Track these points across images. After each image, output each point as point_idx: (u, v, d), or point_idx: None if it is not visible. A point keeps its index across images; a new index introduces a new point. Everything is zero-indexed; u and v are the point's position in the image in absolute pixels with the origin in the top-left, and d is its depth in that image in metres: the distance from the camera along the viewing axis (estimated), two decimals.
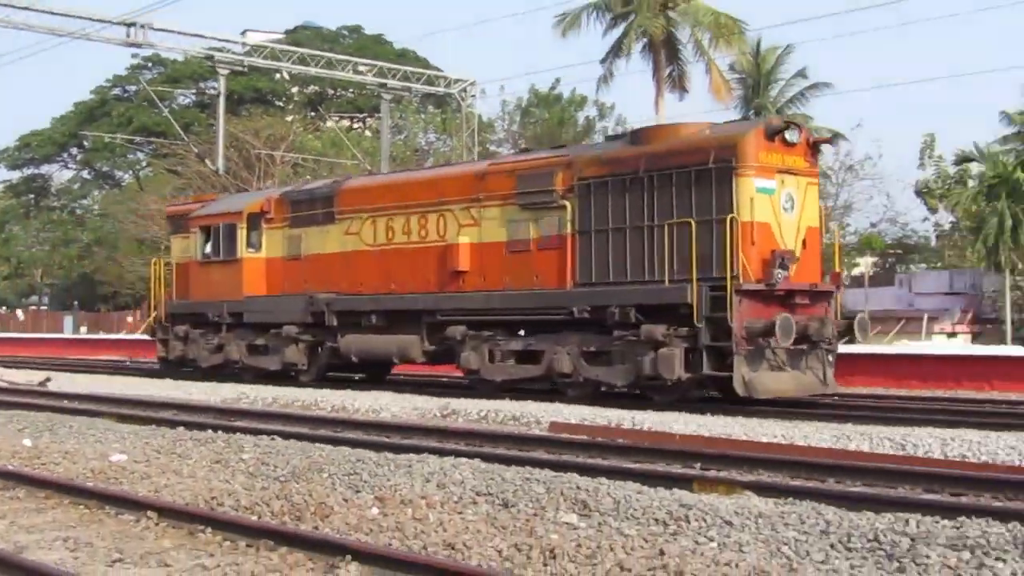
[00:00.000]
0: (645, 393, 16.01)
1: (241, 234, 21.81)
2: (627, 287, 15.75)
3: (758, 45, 42.06)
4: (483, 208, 17.68)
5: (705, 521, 7.56)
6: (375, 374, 22.04)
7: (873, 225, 48.84)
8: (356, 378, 21.82)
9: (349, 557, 6.48)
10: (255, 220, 21.64)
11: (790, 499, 8.26)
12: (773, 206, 15.03)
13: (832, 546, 6.85)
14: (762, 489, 8.68)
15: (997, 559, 6.29)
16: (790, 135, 15.23)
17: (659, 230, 15.37)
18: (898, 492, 8.68)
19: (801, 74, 43.11)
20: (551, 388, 17.26)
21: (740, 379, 14.49)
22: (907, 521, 7.24)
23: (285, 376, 21.51)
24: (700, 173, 15.02)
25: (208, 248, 22.68)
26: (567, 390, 16.70)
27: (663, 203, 15.40)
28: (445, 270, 18.19)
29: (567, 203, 16.46)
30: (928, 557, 6.43)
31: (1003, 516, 7.24)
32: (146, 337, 29.19)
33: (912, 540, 6.79)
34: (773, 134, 15.06)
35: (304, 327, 20.67)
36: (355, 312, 19.64)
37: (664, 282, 15.25)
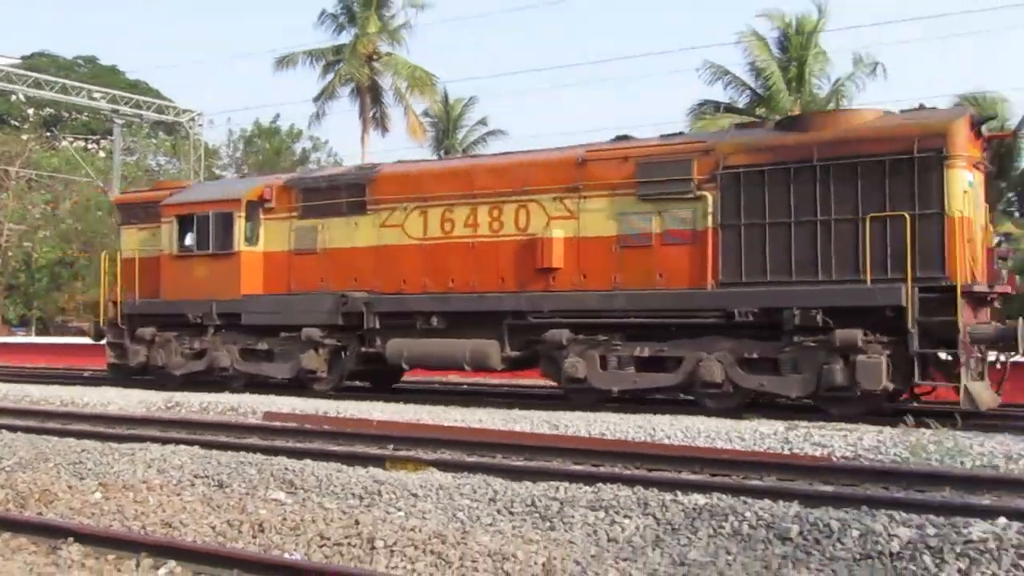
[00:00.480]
0: (820, 406, 12.10)
1: (239, 224, 16.52)
2: (810, 287, 11.95)
3: (446, 95, 43.33)
4: (583, 199, 13.58)
5: (395, 494, 7.58)
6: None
7: None
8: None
9: (71, 539, 6.06)
10: (253, 210, 16.64)
11: (465, 473, 8.43)
12: (973, 201, 11.85)
13: (499, 511, 7.05)
14: (443, 465, 8.82)
15: (624, 516, 6.69)
16: (985, 128, 12.48)
17: (844, 225, 11.85)
18: (552, 464, 9.04)
19: (482, 122, 44.73)
20: (674, 399, 13.91)
21: (965, 390, 11.20)
22: (558, 488, 7.56)
23: (298, 386, 16.23)
24: (898, 163, 11.55)
25: (189, 240, 17.29)
26: (707, 401, 12.67)
27: (843, 195, 11.86)
28: (528, 267, 13.98)
29: (706, 194, 12.68)
30: (573, 517, 6.75)
31: (630, 482, 7.70)
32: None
33: (561, 503, 7.10)
34: (976, 124, 12.04)
35: (330, 330, 15.74)
36: (405, 313, 14.91)
37: (865, 282, 11.60)
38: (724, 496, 7.06)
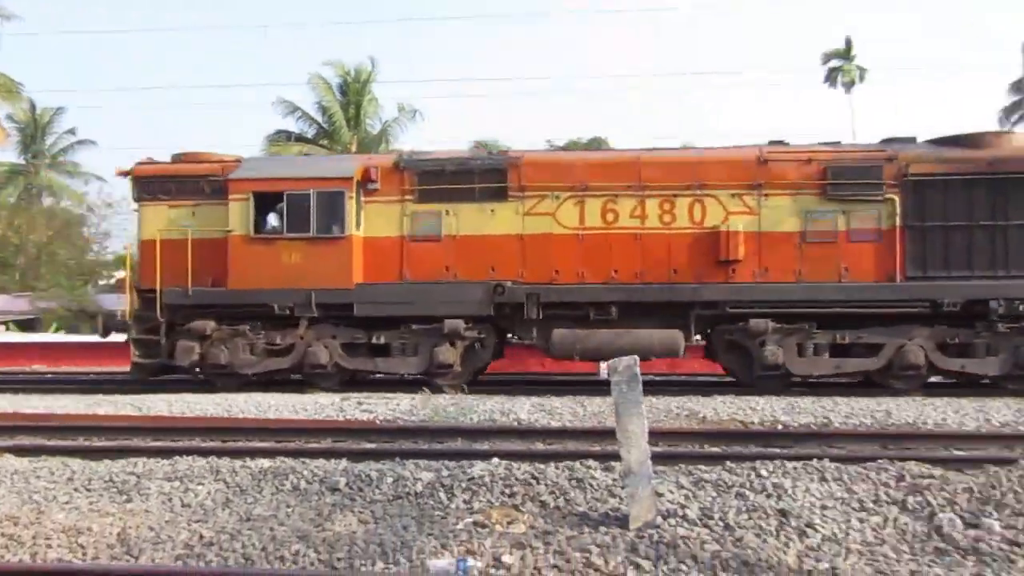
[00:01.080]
0: (1003, 384, 11.85)
1: (351, 206, 12.53)
2: (1011, 281, 11.79)
3: (32, 104, 38.35)
4: (765, 196, 12.27)
5: None
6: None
7: None
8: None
9: None
10: (358, 190, 12.68)
11: (44, 456, 7.36)
12: None
13: (76, 489, 6.24)
14: (20, 451, 7.61)
15: (198, 484, 6.28)
16: None
17: (1017, 228, 11.85)
18: (132, 442, 8.19)
19: (71, 131, 40.15)
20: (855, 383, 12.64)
21: None
22: (135, 464, 6.88)
23: (415, 382, 12.54)
24: None
25: (274, 221, 13.00)
26: (897, 383, 11.93)
27: (1017, 202, 11.86)
28: (705, 259, 12.29)
29: (893, 197, 12.04)
30: (149, 488, 6.19)
31: (206, 453, 7.22)
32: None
33: (138, 477, 6.48)
34: None
35: (473, 321, 12.55)
36: (575, 304, 12.39)
37: None
38: (287, 459, 6.91)
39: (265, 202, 12.91)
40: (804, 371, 12.13)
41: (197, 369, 12.92)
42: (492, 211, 12.77)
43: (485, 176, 12.84)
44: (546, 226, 12.70)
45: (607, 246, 12.58)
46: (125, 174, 13.31)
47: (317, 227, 12.69)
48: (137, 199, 13.44)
